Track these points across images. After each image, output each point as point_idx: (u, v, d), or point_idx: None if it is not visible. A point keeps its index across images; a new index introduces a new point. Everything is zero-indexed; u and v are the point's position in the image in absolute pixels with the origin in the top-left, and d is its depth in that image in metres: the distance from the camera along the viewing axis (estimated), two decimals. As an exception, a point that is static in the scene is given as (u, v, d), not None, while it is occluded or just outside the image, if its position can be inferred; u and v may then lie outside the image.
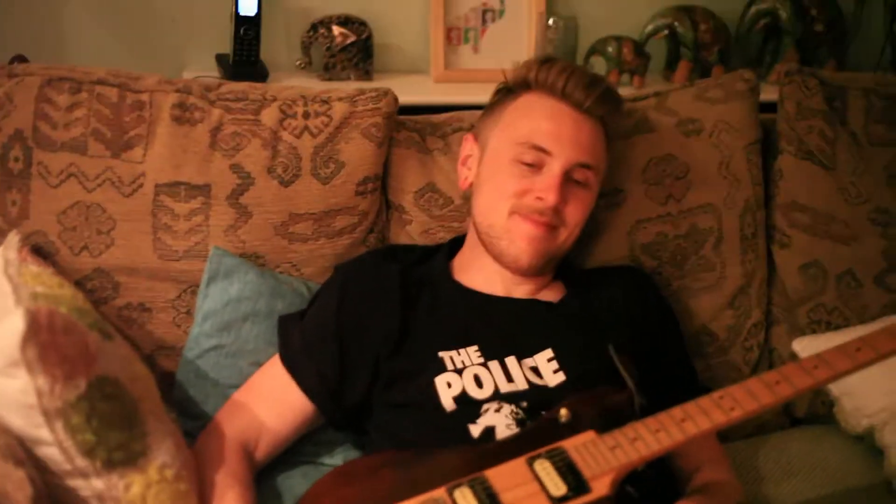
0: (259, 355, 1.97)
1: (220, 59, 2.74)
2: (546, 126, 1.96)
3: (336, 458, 1.99)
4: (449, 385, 1.84)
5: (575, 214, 1.98)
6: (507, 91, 2.06)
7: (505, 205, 1.95)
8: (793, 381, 1.68)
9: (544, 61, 2.02)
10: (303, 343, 1.93)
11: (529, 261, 1.96)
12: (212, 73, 2.72)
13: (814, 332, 2.39)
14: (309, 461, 1.98)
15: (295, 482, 1.92)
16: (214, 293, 2.00)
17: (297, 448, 1.96)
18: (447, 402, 1.82)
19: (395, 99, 2.16)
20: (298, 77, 2.83)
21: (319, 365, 1.90)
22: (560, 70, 2.00)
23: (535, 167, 1.94)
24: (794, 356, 2.36)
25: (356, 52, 2.79)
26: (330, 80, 2.79)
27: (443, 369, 1.85)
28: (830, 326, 2.39)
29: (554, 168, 1.94)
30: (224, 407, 1.92)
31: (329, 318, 1.93)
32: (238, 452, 1.84)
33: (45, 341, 1.47)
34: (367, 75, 2.83)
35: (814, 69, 2.48)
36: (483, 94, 2.55)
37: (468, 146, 2.09)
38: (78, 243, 2.01)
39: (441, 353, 1.88)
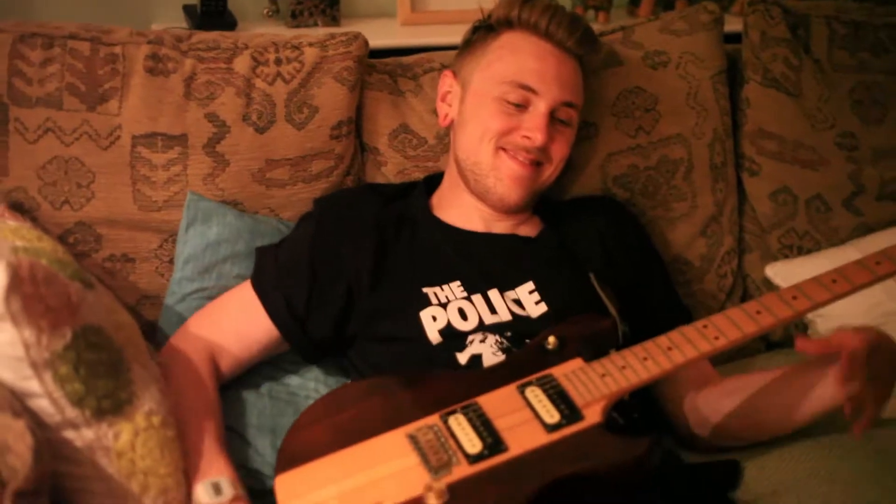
0: (241, 295, 1.97)
1: (188, 9, 2.71)
2: (532, 65, 1.97)
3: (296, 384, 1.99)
4: (434, 318, 1.86)
5: (559, 151, 2.00)
6: (488, 28, 2.06)
7: (491, 142, 1.96)
8: (773, 311, 1.72)
9: (525, 0, 2.02)
10: (275, 269, 1.94)
11: (517, 199, 1.98)
12: (180, 24, 2.70)
13: (786, 256, 2.42)
14: (269, 394, 1.97)
15: (263, 402, 1.95)
16: (193, 237, 2.01)
17: (259, 376, 1.97)
18: (433, 335, 1.84)
19: (366, 42, 2.16)
20: (266, 25, 2.81)
21: (287, 291, 1.91)
22: (543, 9, 2.00)
23: (521, 106, 1.96)
24: (767, 281, 2.40)
25: (323, -2, 2.79)
26: (297, 26, 2.78)
27: (427, 303, 1.87)
28: (802, 251, 2.42)
29: (540, 107, 1.95)
30: (193, 317, 1.93)
31: (303, 247, 1.94)
32: (206, 361, 1.86)
33: (29, 293, 1.46)
34: (334, 21, 2.81)
35: (784, -2, 2.49)
36: (450, 36, 2.56)
37: (447, 83, 2.09)
38: (58, 198, 2.01)
39: (425, 289, 1.90)
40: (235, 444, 1.87)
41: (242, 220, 2.04)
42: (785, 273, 2.37)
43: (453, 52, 2.19)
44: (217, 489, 1.61)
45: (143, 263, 2.07)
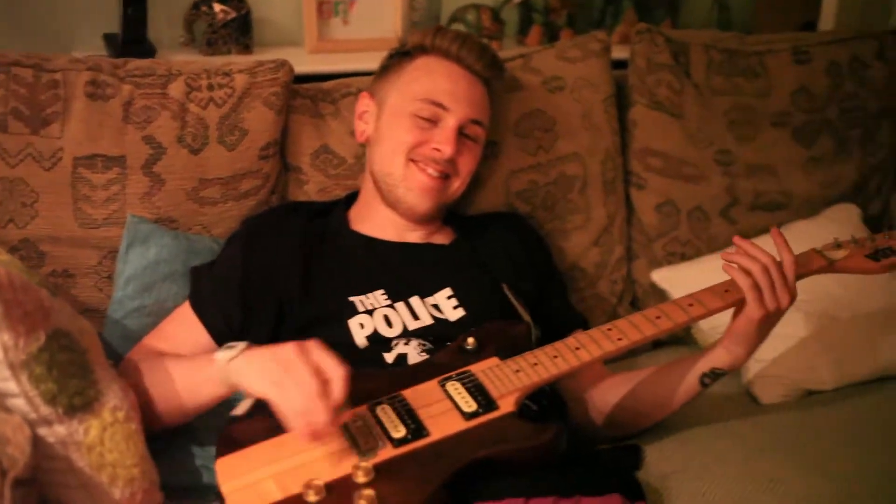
0: (180, 311, 2.05)
1: (109, 38, 2.78)
2: (444, 84, 2.11)
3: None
4: (361, 326, 1.96)
5: (466, 165, 2.14)
6: (404, 54, 2.19)
7: (402, 155, 2.09)
8: (671, 316, 1.90)
9: (438, 29, 2.17)
10: (210, 288, 2.02)
11: (426, 209, 2.11)
12: (100, 52, 2.76)
13: (670, 263, 2.59)
14: None
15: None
16: (134, 258, 2.08)
17: None
18: (360, 341, 1.94)
19: (292, 69, 2.27)
20: (182, 53, 2.88)
21: (224, 308, 1.99)
22: (455, 36, 2.16)
23: (432, 122, 2.09)
24: (653, 286, 2.56)
25: (236, 27, 2.87)
26: (212, 54, 2.86)
27: (354, 312, 1.98)
28: (685, 257, 2.59)
29: (450, 122, 2.09)
30: (134, 349, 2.00)
31: (235, 265, 2.03)
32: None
33: (9, 299, 1.54)
34: (246, 49, 2.91)
35: (660, 28, 2.66)
36: (355, 63, 2.71)
37: (364, 102, 2.21)
38: (4, 216, 2.07)
39: (351, 298, 2.00)
40: (179, 443, 1.96)
41: (179, 240, 2.13)
42: (669, 278, 2.54)
43: (368, 78, 2.31)
44: (230, 349, 1.73)
45: (83, 279, 2.14)
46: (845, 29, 2.96)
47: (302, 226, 2.12)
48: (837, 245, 2.03)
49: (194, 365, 1.83)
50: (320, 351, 1.65)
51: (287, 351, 1.64)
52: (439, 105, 2.09)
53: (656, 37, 2.61)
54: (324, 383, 1.60)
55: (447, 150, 2.07)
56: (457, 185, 2.15)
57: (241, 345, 1.73)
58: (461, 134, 2.11)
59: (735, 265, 1.88)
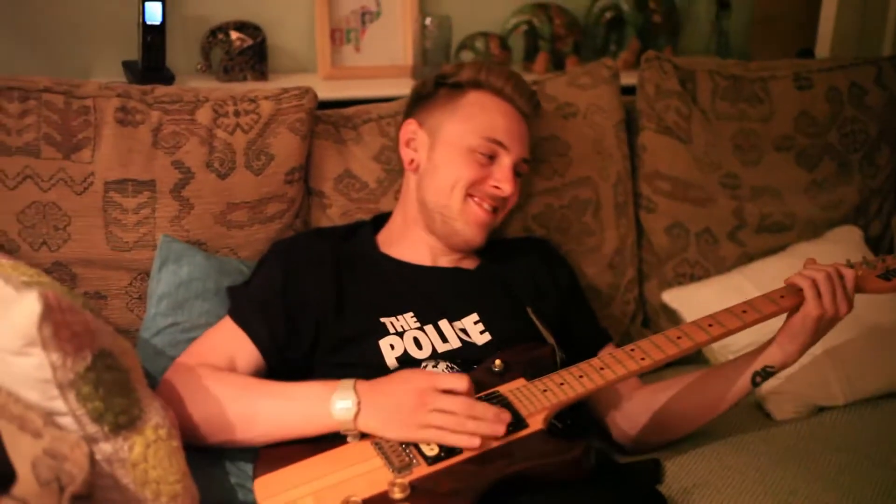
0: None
1: (128, 65, 2.80)
2: (501, 123, 2.16)
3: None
4: (392, 347, 1.99)
5: (513, 199, 2.20)
6: (454, 86, 2.22)
7: (462, 190, 2.12)
8: (692, 336, 1.95)
9: (488, 66, 2.22)
10: (252, 304, 2.03)
11: (480, 241, 2.17)
12: (119, 79, 2.78)
13: (680, 283, 2.62)
14: None
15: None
16: (166, 276, 2.11)
17: None
18: (391, 362, 1.97)
19: (315, 96, 2.30)
20: (199, 80, 2.89)
21: (269, 321, 2.00)
22: (507, 76, 2.21)
23: (490, 158, 2.13)
24: (664, 306, 2.59)
25: (252, 54, 2.90)
26: (229, 81, 2.88)
27: (385, 333, 2.00)
28: (694, 278, 2.63)
29: (506, 161, 2.14)
30: (182, 355, 1.99)
31: (275, 283, 2.04)
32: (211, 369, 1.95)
33: (58, 320, 1.56)
34: (262, 76, 2.93)
35: (667, 56, 2.71)
36: (366, 90, 2.75)
37: (410, 129, 2.22)
38: (37, 239, 2.10)
39: (383, 319, 2.03)
40: (215, 462, 1.97)
41: (210, 260, 2.16)
42: (680, 298, 2.57)
43: (388, 104, 2.36)
44: (344, 400, 1.77)
45: (114, 300, 2.16)
46: (843, 56, 3.01)
47: (332, 248, 2.14)
48: (850, 266, 2.07)
49: (299, 405, 1.82)
50: (430, 378, 1.79)
51: (411, 397, 1.76)
52: (499, 143, 2.14)
53: (664, 64, 2.66)
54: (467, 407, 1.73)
55: (507, 188, 2.13)
56: (501, 217, 2.21)
57: (350, 392, 1.78)
58: (514, 171, 2.16)
59: (800, 274, 1.98)
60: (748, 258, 2.67)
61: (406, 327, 2.03)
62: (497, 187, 2.12)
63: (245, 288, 2.09)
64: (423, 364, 1.98)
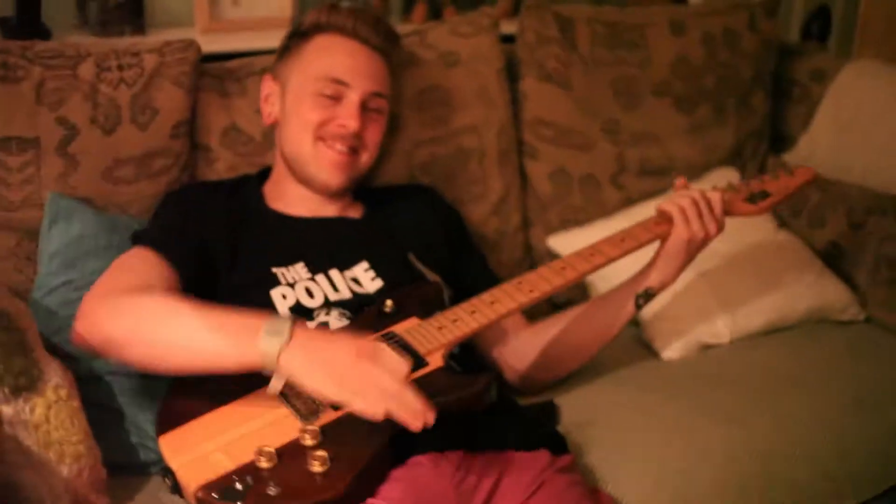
0: (104, 286, 2.05)
1: (3, 21, 2.73)
2: (343, 61, 2.13)
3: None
4: (284, 297, 1.99)
5: (373, 137, 2.17)
6: (301, 34, 2.20)
7: (309, 134, 2.11)
8: (576, 266, 2.00)
9: (332, 6, 2.19)
10: (164, 230, 2.02)
11: (338, 183, 2.14)
12: (-8, 36, 2.72)
13: (565, 229, 2.66)
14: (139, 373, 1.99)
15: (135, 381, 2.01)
16: (57, 234, 2.07)
17: None
18: (283, 311, 1.96)
19: (199, 48, 2.27)
20: (76, 35, 2.84)
21: (184, 245, 1.97)
22: (349, 12, 2.17)
23: (335, 99, 2.11)
24: (550, 252, 2.63)
25: (129, 8, 2.84)
26: (106, 36, 2.82)
27: (277, 283, 2.00)
28: (578, 223, 2.66)
29: (353, 98, 2.11)
30: (100, 280, 1.89)
31: (180, 219, 2.04)
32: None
33: (-51, 283, 1.55)
34: (140, 30, 2.88)
35: (549, 2, 2.73)
36: (247, 42, 2.73)
37: (267, 86, 2.22)
38: (-81, 203, 2.04)
39: (274, 269, 2.03)
40: (114, 421, 1.97)
41: (100, 217, 2.12)
42: (565, 243, 2.61)
43: (271, 57, 2.34)
44: (274, 334, 1.65)
45: (2, 262, 2.10)
46: (717, 2, 3.07)
47: (222, 201, 2.13)
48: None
49: (227, 330, 1.71)
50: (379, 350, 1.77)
51: (350, 355, 1.67)
52: (340, 82, 2.11)
53: (544, 12, 2.68)
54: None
55: (352, 124, 2.10)
56: (365, 158, 2.18)
57: (285, 326, 1.67)
58: (365, 108, 2.14)
59: (669, 201, 2.05)
60: (631, 202, 2.72)
61: (297, 278, 2.03)
62: (342, 125, 2.11)
63: (149, 226, 2.08)
64: (316, 313, 1.98)
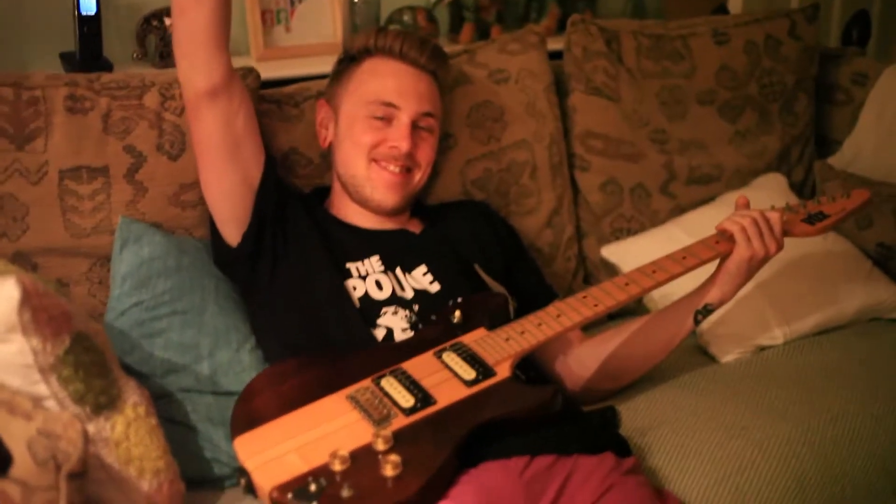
0: (175, 305, 2.09)
1: (66, 56, 2.79)
2: (391, 83, 2.18)
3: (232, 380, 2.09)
4: (354, 289, 2.07)
5: (425, 156, 2.22)
6: (351, 59, 2.25)
7: (363, 156, 2.16)
8: (639, 282, 2.04)
9: (379, 30, 2.24)
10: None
11: (393, 203, 2.19)
12: (57, 71, 2.77)
13: (617, 238, 2.68)
14: (211, 391, 2.08)
15: (208, 399, 2.07)
16: (128, 257, 2.11)
17: (198, 377, 2.07)
18: (354, 302, 2.04)
19: (259, 76, 2.31)
20: (136, 67, 2.90)
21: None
22: (395, 35, 2.23)
23: (386, 121, 2.16)
24: (603, 261, 2.65)
25: (187, 39, 2.91)
26: (165, 67, 2.88)
27: (349, 276, 2.09)
28: (630, 232, 2.69)
29: (403, 119, 2.16)
30: None
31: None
32: None
33: (36, 305, 1.59)
34: (197, 60, 2.94)
35: (594, 18, 2.77)
36: (300, 68, 2.77)
37: (322, 111, 2.27)
38: (-4, 231, 2.10)
39: (348, 264, 2.11)
40: (188, 437, 2.01)
41: (168, 238, 2.16)
42: (618, 252, 2.64)
43: (325, 81, 2.37)
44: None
45: (76, 287, 2.16)
46: (757, 10, 3.09)
47: (299, 202, 2.22)
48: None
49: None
50: None
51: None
52: (390, 104, 2.16)
53: (590, 27, 2.71)
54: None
55: (404, 145, 2.15)
56: (419, 177, 2.23)
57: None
58: (415, 127, 2.18)
59: (730, 220, 2.07)
60: (680, 210, 2.73)
61: (371, 270, 2.11)
62: (394, 147, 2.15)
63: None
64: (384, 309, 2.05)
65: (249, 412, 1.79)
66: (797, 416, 2.10)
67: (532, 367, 2.10)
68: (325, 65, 2.38)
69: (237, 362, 2.10)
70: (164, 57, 2.90)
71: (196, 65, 2.00)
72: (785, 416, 2.10)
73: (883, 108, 2.89)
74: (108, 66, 2.72)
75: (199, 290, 2.14)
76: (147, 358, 2.05)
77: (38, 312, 1.59)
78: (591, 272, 2.71)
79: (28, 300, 1.58)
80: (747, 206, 2.13)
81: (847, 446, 2.07)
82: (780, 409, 2.13)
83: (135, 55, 2.95)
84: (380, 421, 1.73)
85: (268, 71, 2.82)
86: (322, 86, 2.40)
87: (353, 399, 1.78)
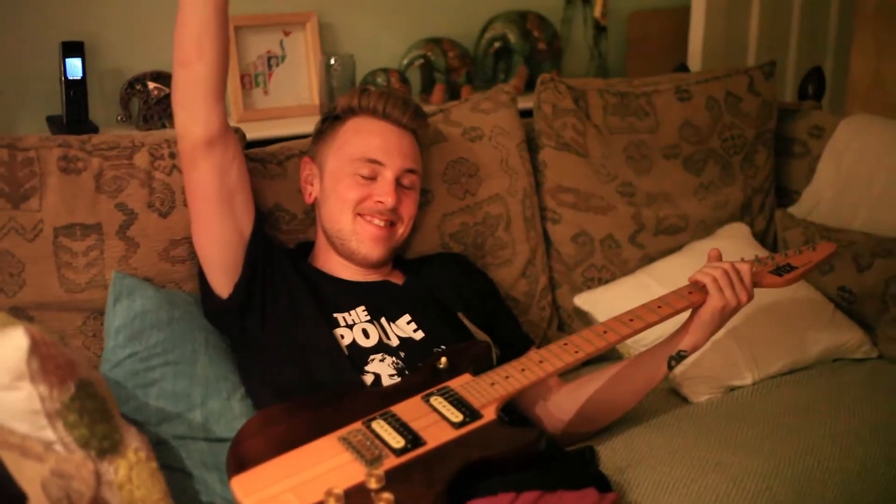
0: (167, 356, 2.15)
1: (53, 120, 2.85)
2: (376, 142, 2.26)
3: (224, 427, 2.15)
4: (342, 337, 2.13)
5: (408, 210, 2.29)
6: (335, 118, 2.33)
7: (349, 211, 2.23)
8: (617, 330, 2.12)
9: (362, 91, 2.32)
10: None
11: (378, 256, 2.26)
12: (44, 133, 2.83)
13: (589, 287, 2.76)
14: (204, 438, 2.13)
15: (200, 446, 2.12)
16: (121, 310, 2.16)
17: (191, 424, 2.13)
18: (343, 349, 2.11)
19: (244, 135, 2.40)
20: (121, 129, 2.96)
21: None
22: (379, 95, 2.31)
23: (371, 178, 2.24)
24: (577, 309, 2.73)
25: (169, 103, 2.93)
26: (149, 129, 2.95)
27: (336, 325, 2.15)
28: (602, 281, 2.77)
29: (387, 175, 2.24)
30: None
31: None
32: None
33: (44, 353, 1.64)
34: (179, 123, 3.01)
35: (560, 77, 2.87)
36: (278, 129, 2.85)
37: (307, 168, 2.34)
38: (-7, 287, 2.15)
39: (335, 314, 2.17)
40: (185, 482, 2.06)
41: (159, 293, 2.22)
42: (591, 301, 2.72)
43: (307, 140, 2.45)
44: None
45: (70, 340, 2.21)
46: (717, 68, 3.21)
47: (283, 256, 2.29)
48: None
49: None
50: None
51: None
52: (375, 161, 2.24)
53: (559, 85, 2.81)
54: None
55: (389, 201, 2.23)
56: (402, 230, 2.30)
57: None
58: (399, 184, 2.26)
59: (702, 272, 2.15)
60: (649, 259, 2.82)
61: (357, 320, 2.17)
62: (380, 201, 2.23)
63: None
64: (371, 356, 2.12)
65: (244, 454, 1.84)
66: (768, 451, 2.18)
67: (514, 410, 2.17)
68: (302, 125, 2.45)
69: (228, 410, 2.15)
70: (148, 120, 2.97)
71: (195, 115, 2.07)
72: (757, 452, 2.17)
73: (839, 159, 3.01)
74: (93, 129, 2.78)
75: (191, 341, 2.19)
76: (142, 407, 2.10)
77: (46, 361, 1.65)
78: (565, 321, 2.79)
79: (36, 349, 1.64)
80: (719, 258, 2.21)
81: (818, 477, 2.14)
82: (752, 444, 2.21)
83: (119, 118, 3.01)
84: (372, 461, 1.79)
85: (248, 132, 2.90)
86: (303, 145, 2.48)
87: (345, 440, 1.84)
